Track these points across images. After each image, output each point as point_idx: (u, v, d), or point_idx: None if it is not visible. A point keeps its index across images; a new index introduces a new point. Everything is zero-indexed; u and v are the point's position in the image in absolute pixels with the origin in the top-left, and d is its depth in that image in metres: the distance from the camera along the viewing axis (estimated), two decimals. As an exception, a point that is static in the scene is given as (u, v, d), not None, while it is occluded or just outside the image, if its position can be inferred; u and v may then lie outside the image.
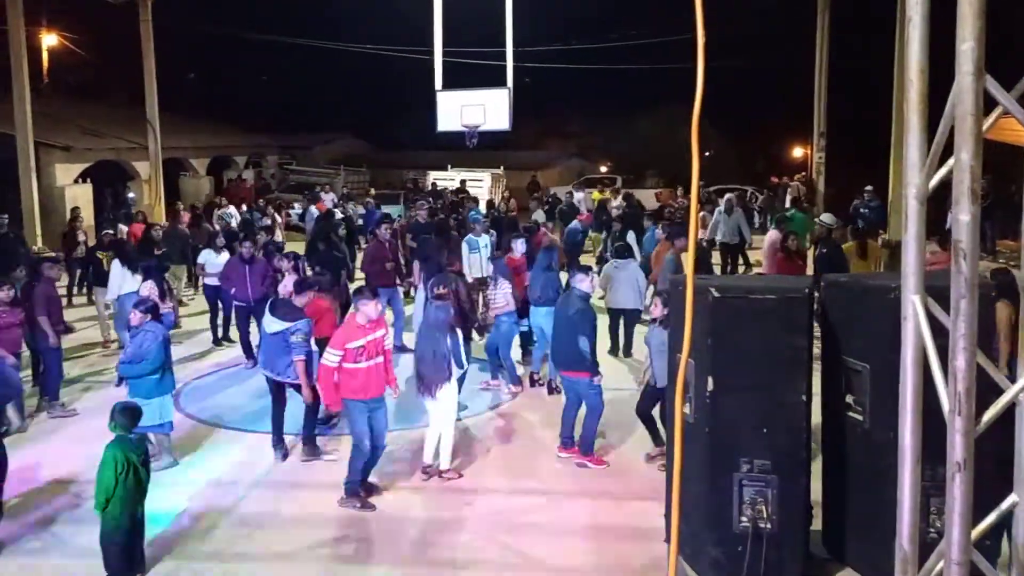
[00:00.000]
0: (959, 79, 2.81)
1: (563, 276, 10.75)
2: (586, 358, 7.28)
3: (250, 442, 8.00)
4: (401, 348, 10.57)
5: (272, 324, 7.42)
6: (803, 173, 25.56)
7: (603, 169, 36.40)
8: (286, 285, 9.52)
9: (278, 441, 7.63)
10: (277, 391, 7.60)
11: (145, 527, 5.54)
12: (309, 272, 10.74)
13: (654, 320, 7.37)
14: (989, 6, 2.74)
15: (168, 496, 6.51)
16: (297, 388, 7.43)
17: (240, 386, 9.72)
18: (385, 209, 19.54)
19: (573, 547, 6.03)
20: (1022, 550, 3.11)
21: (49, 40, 33.15)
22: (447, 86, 11.65)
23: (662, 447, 7.16)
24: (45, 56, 32.84)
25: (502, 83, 11.61)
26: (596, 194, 24.52)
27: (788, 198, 22.74)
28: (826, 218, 12.22)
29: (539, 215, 17.28)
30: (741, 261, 15.70)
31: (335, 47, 31.34)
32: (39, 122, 19.20)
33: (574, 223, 15.65)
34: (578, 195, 22.37)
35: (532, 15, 14.40)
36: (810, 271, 11.68)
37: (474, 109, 11.51)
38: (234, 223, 17.32)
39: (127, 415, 5.37)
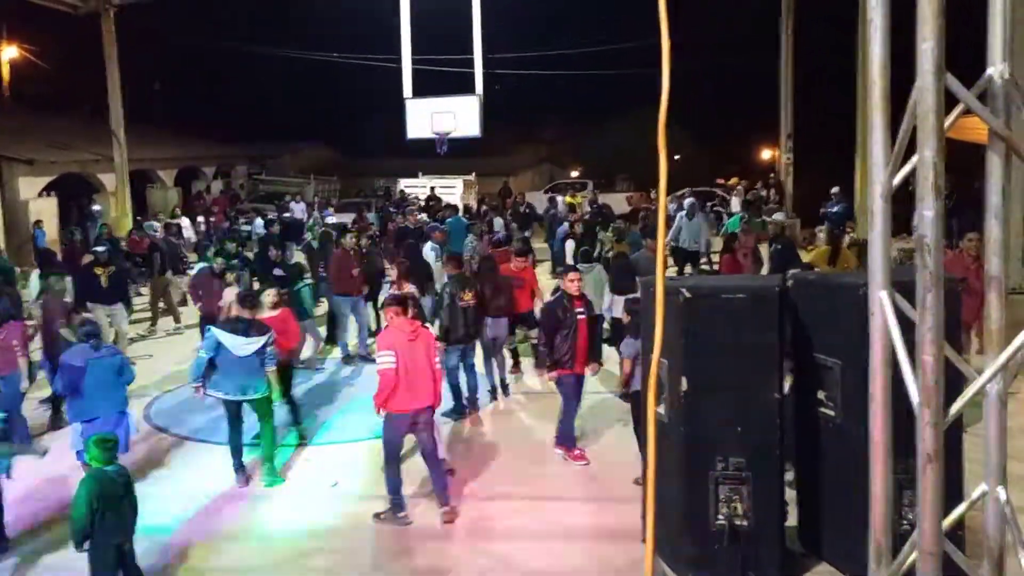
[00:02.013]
0: (920, 77, 2.86)
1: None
2: (543, 354, 7.47)
3: (221, 455, 7.88)
4: (365, 357, 10.56)
5: (247, 346, 7.08)
6: (771, 175, 25.73)
7: (574, 174, 36.56)
8: (226, 298, 9.47)
9: (239, 465, 7.38)
10: (237, 414, 7.31)
11: (136, 559, 5.32)
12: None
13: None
14: (950, 5, 2.79)
15: (140, 511, 6.40)
16: (264, 402, 7.30)
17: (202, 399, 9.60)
18: (343, 218, 19.56)
19: (554, 550, 6.03)
20: (992, 539, 3.15)
21: (10, 52, 32.68)
22: (417, 93, 11.67)
23: None
24: (6, 68, 32.37)
25: (472, 90, 11.65)
26: (569, 199, 24.63)
27: (736, 200, 22.74)
28: (778, 216, 12.43)
29: (498, 223, 16.87)
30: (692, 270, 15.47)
31: (303, 56, 31.21)
32: (1, 135, 18.90)
33: (565, 224, 15.64)
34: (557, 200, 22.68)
35: (501, 22, 14.47)
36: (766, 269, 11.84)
37: (444, 116, 11.55)
38: (188, 234, 17.06)
39: (102, 447, 5.16)
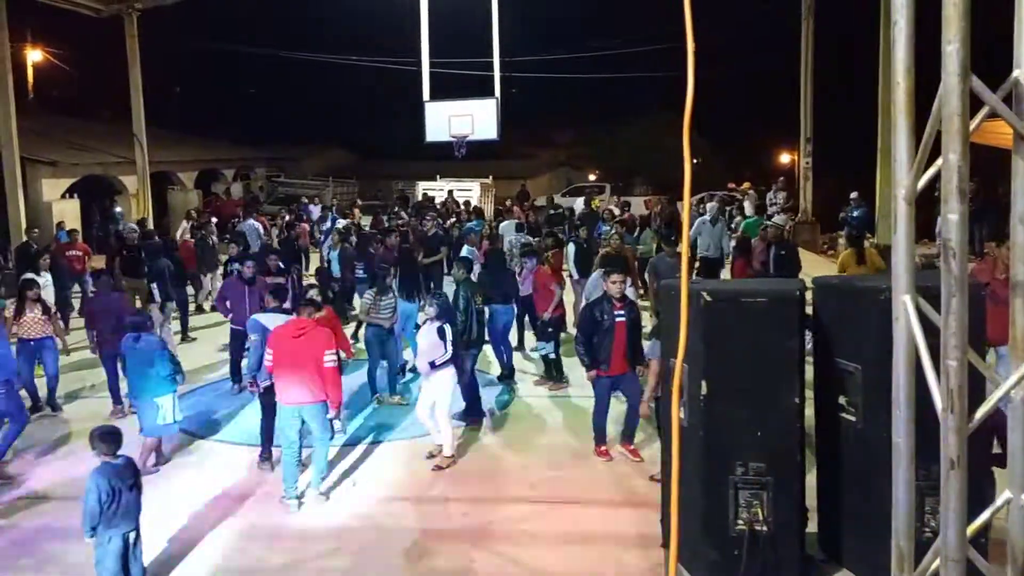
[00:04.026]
0: (945, 80, 2.84)
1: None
2: (580, 353, 7.55)
3: (239, 454, 7.96)
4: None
5: (276, 321, 7.42)
6: (780, 178, 25.48)
7: (591, 177, 36.53)
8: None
9: (267, 455, 7.57)
10: (273, 403, 7.41)
11: (142, 549, 5.42)
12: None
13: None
14: (975, 6, 2.77)
15: (159, 511, 6.46)
16: None
17: (228, 400, 9.67)
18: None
19: (570, 555, 6.02)
20: (1018, 547, 3.12)
21: (34, 56, 33.11)
22: (435, 97, 11.70)
23: None
24: (30, 72, 32.79)
25: (490, 93, 11.67)
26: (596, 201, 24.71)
27: (748, 204, 22.40)
28: (779, 220, 12.33)
29: (506, 228, 16.65)
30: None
31: (323, 59, 31.40)
32: (25, 138, 19.12)
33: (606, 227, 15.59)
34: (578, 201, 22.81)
35: (519, 25, 14.48)
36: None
37: (462, 119, 11.57)
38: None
39: (107, 440, 5.25)
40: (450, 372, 7.59)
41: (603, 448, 7.69)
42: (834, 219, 21.24)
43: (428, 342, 7.50)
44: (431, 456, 7.70)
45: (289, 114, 39.28)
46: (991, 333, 5.18)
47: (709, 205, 15.55)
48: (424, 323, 7.74)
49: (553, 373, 10.09)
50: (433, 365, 7.44)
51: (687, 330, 3.28)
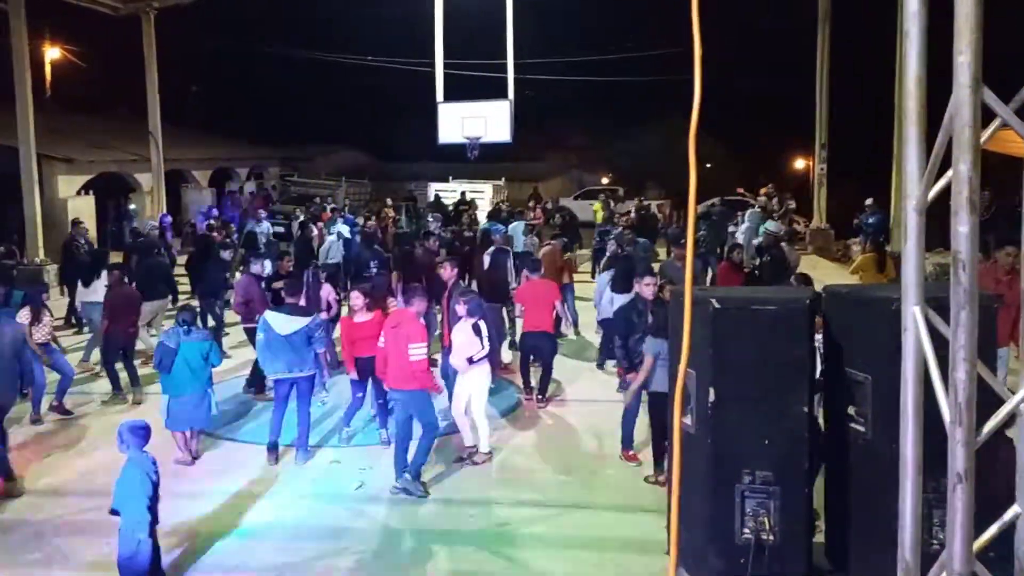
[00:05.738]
0: (956, 91, 2.81)
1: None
2: (619, 356, 7.63)
3: (247, 453, 7.99)
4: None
5: (287, 325, 7.58)
6: (769, 184, 25.22)
7: (604, 181, 36.46)
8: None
9: (273, 444, 7.71)
10: (285, 396, 7.70)
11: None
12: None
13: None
14: (988, 16, 2.75)
15: (165, 509, 6.48)
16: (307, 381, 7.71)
17: (236, 398, 9.69)
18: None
19: (575, 559, 6.01)
20: (1025, 562, 3.09)
21: (52, 53, 33.37)
22: (449, 98, 11.70)
23: (661, 473, 7.05)
24: (48, 69, 33.04)
25: (503, 95, 11.65)
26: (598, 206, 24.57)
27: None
28: (771, 226, 12.26)
29: (518, 228, 16.57)
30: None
31: (336, 59, 31.50)
32: (42, 135, 19.24)
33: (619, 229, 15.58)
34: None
35: (534, 28, 14.47)
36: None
37: (475, 121, 11.56)
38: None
39: (138, 434, 5.25)
40: (486, 368, 7.71)
41: (631, 452, 7.66)
42: (849, 226, 21.13)
43: (464, 338, 7.58)
44: (460, 460, 7.70)
45: (303, 114, 39.41)
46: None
47: (750, 212, 15.34)
48: (458, 321, 7.80)
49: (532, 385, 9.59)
50: (471, 361, 7.55)
51: (691, 336, 3.26)
